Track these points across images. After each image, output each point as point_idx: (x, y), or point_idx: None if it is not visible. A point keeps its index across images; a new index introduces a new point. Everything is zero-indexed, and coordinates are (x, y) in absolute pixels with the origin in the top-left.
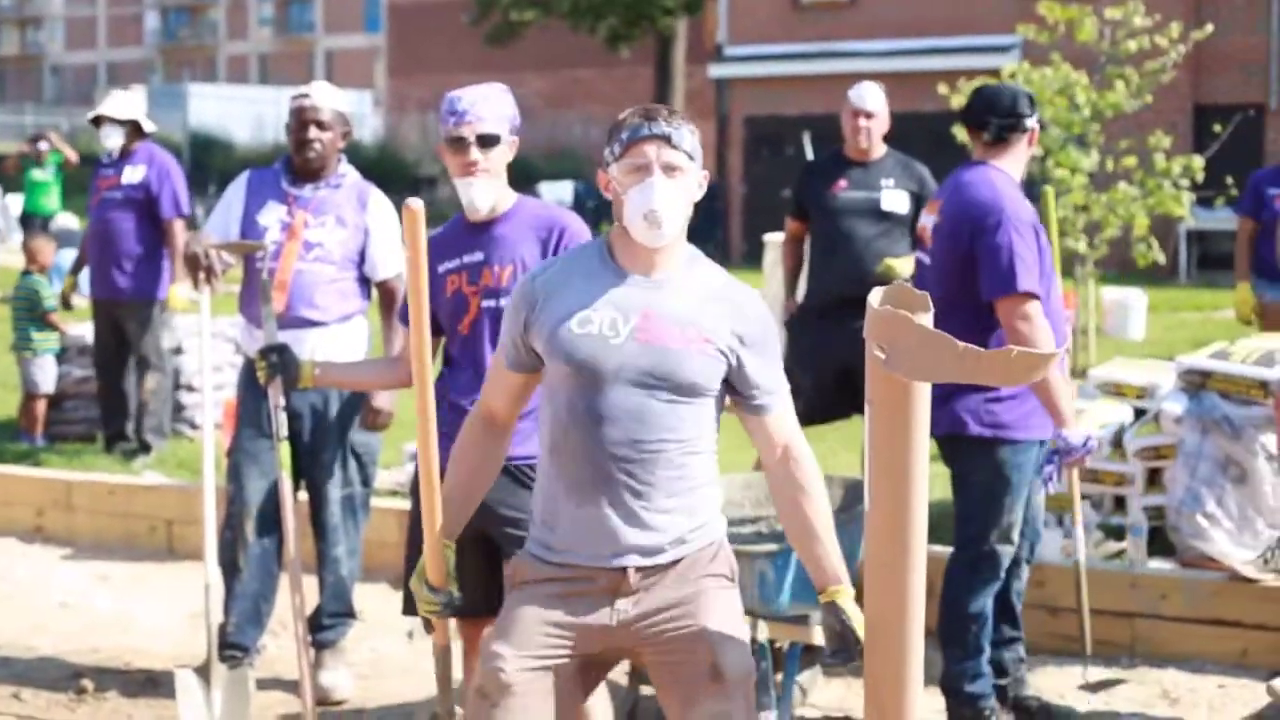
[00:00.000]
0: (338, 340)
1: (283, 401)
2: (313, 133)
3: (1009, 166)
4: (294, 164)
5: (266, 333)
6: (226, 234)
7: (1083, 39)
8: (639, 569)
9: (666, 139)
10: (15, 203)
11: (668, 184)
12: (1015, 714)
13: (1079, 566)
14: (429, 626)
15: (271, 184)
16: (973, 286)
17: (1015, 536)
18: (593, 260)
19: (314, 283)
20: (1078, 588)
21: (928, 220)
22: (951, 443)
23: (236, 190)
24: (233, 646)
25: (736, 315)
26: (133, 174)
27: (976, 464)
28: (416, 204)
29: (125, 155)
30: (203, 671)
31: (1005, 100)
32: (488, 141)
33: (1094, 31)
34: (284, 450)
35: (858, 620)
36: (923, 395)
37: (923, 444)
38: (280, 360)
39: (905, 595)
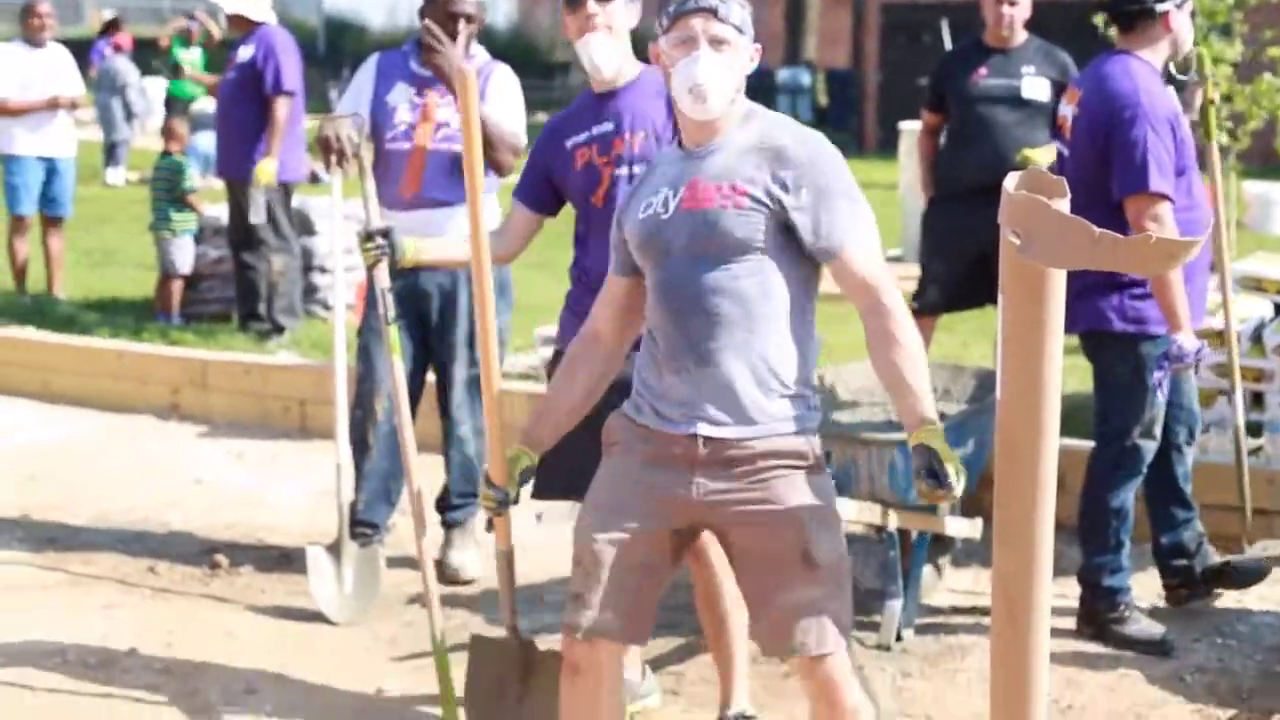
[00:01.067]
0: (465, 219)
1: (389, 283)
2: (461, 26)
3: (1148, 54)
4: (426, 52)
5: (369, 214)
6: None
7: None
8: (708, 439)
9: (713, 11)
10: (158, 85)
11: (713, 57)
12: (1206, 583)
13: (1241, 466)
14: (489, 525)
15: (400, 66)
16: (1109, 180)
17: (1157, 431)
18: (668, 153)
19: (444, 163)
20: (1240, 488)
21: (1067, 111)
22: (1093, 338)
23: (366, 73)
24: (363, 524)
25: (777, 160)
26: (244, 54)
27: (1119, 359)
28: (469, 68)
29: (243, 38)
30: (334, 549)
31: None
32: None
33: None
34: (393, 333)
35: (949, 457)
36: (1058, 283)
37: (1057, 333)
38: (387, 242)
39: (1036, 486)
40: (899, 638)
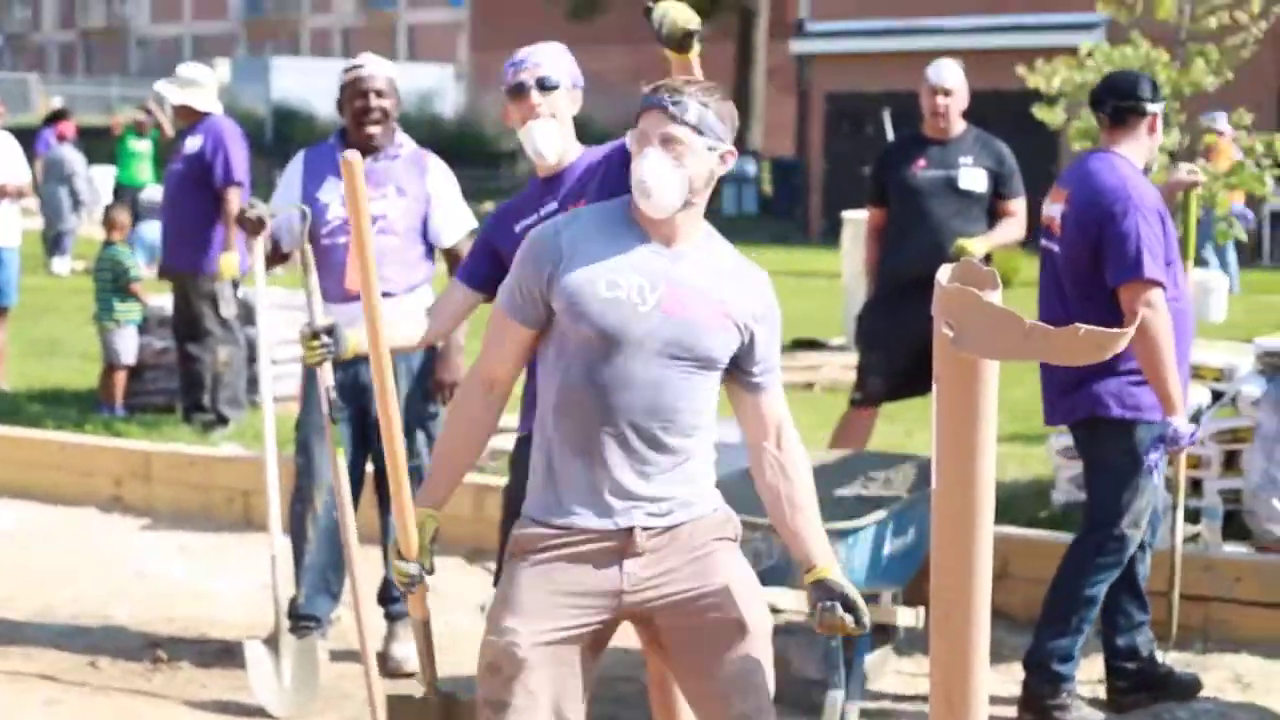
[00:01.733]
0: (405, 310)
1: (332, 381)
2: (373, 101)
3: (1131, 153)
4: (352, 138)
5: (313, 311)
6: (288, 221)
7: (1162, 16)
8: (645, 529)
9: (664, 110)
10: (106, 174)
11: (661, 156)
12: (1148, 691)
13: (1174, 552)
14: (402, 597)
15: (329, 160)
16: (1102, 272)
17: (1144, 522)
18: (617, 220)
19: (380, 255)
20: (1171, 573)
21: (1054, 210)
22: (1089, 425)
23: (294, 170)
24: (305, 617)
25: (752, 292)
26: (191, 144)
27: (1116, 446)
28: (354, 154)
29: (189, 128)
30: (271, 642)
31: (1125, 84)
32: (546, 85)
33: (1173, 8)
34: (335, 431)
35: (849, 587)
36: (991, 373)
37: (991, 421)
38: (331, 340)
39: (972, 574)
40: None
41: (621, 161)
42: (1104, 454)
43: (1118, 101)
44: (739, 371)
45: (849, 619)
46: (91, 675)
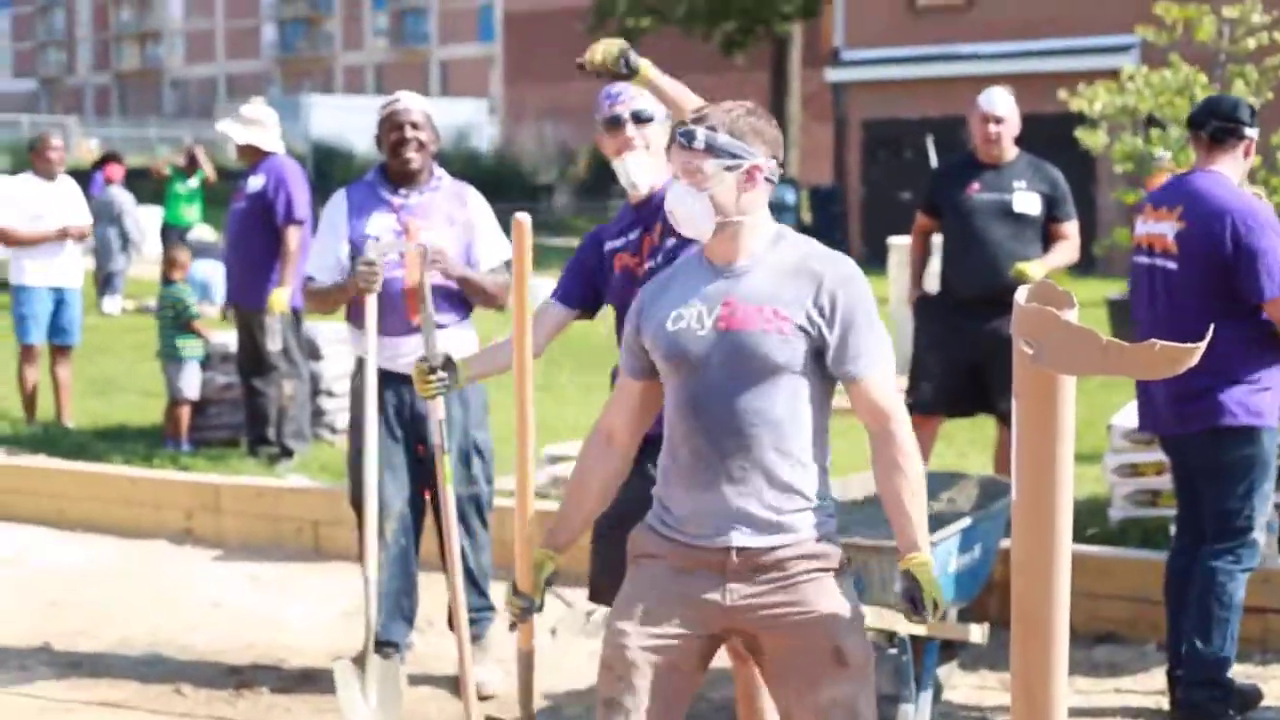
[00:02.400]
0: (460, 340)
1: (444, 414)
2: (409, 133)
3: (1229, 172)
4: (391, 171)
5: (427, 342)
6: (337, 258)
7: (1201, 38)
8: (741, 550)
9: (678, 143)
10: (152, 214)
11: (681, 187)
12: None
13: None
14: (512, 627)
15: (371, 196)
16: (1231, 287)
17: (1267, 525)
18: (692, 263)
19: (435, 287)
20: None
21: (1163, 228)
22: (1214, 435)
23: (337, 210)
24: (382, 644)
25: (816, 287)
26: (254, 183)
27: (1242, 453)
28: (523, 217)
29: (252, 167)
30: (359, 664)
31: (1226, 105)
32: (641, 118)
33: (1212, 30)
34: (447, 462)
35: (930, 588)
36: (1068, 388)
37: (1068, 435)
38: (449, 375)
39: (1052, 585)
40: None
41: None
42: (1230, 462)
43: (1220, 122)
44: (828, 367)
45: (912, 610)
46: (178, 702)
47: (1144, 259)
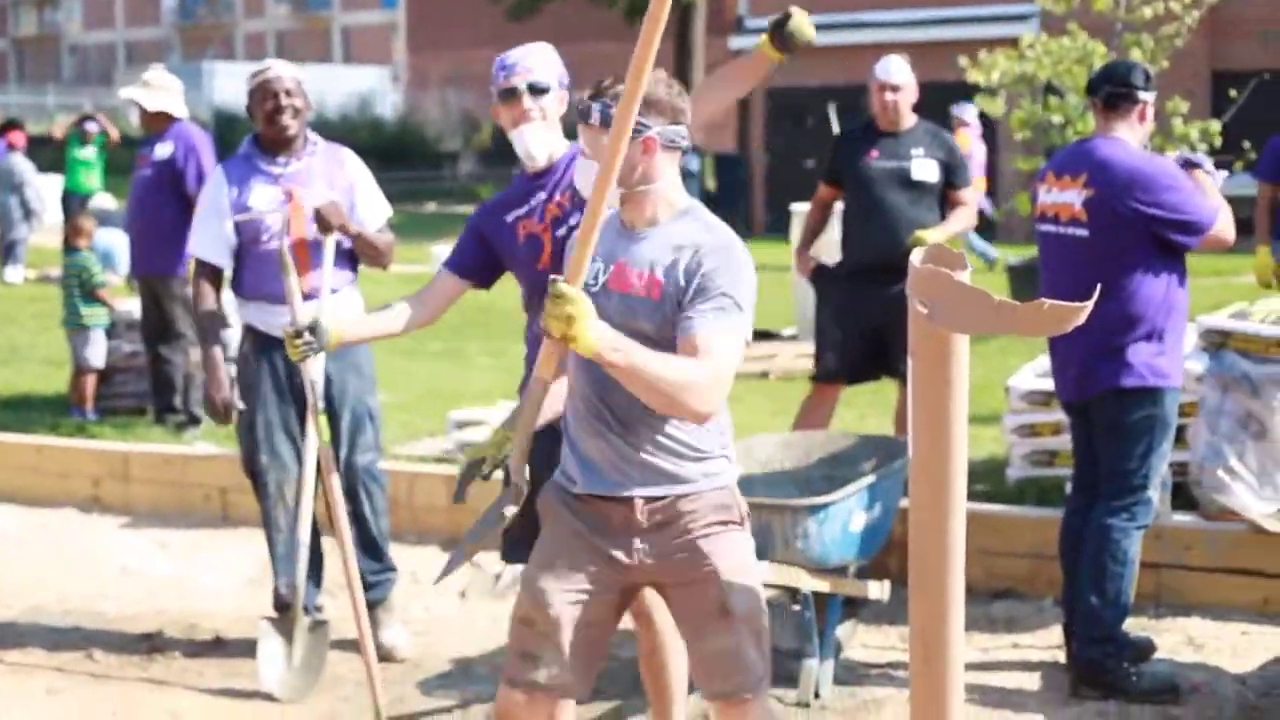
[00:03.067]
0: (347, 303)
1: (317, 375)
2: (284, 100)
3: (1128, 137)
4: (267, 139)
5: (292, 307)
6: (222, 235)
7: (1100, 8)
8: (645, 500)
9: (582, 120)
10: (52, 182)
11: (583, 160)
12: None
13: None
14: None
15: (249, 168)
16: (1158, 244)
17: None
18: (610, 222)
19: (315, 253)
20: None
21: (1069, 196)
22: (1117, 395)
23: (218, 188)
24: (289, 607)
25: (692, 253)
26: (162, 151)
27: (1146, 413)
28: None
29: (157, 135)
30: (284, 627)
31: (1120, 71)
32: (538, 90)
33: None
34: (320, 420)
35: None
36: (962, 347)
37: (962, 392)
38: (314, 337)
39: (947, 539)
40: (817, 694)
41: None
42: (1133, 421)
43: (1114, 87)
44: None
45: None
46: (90, 665)
47: (1050, 227)
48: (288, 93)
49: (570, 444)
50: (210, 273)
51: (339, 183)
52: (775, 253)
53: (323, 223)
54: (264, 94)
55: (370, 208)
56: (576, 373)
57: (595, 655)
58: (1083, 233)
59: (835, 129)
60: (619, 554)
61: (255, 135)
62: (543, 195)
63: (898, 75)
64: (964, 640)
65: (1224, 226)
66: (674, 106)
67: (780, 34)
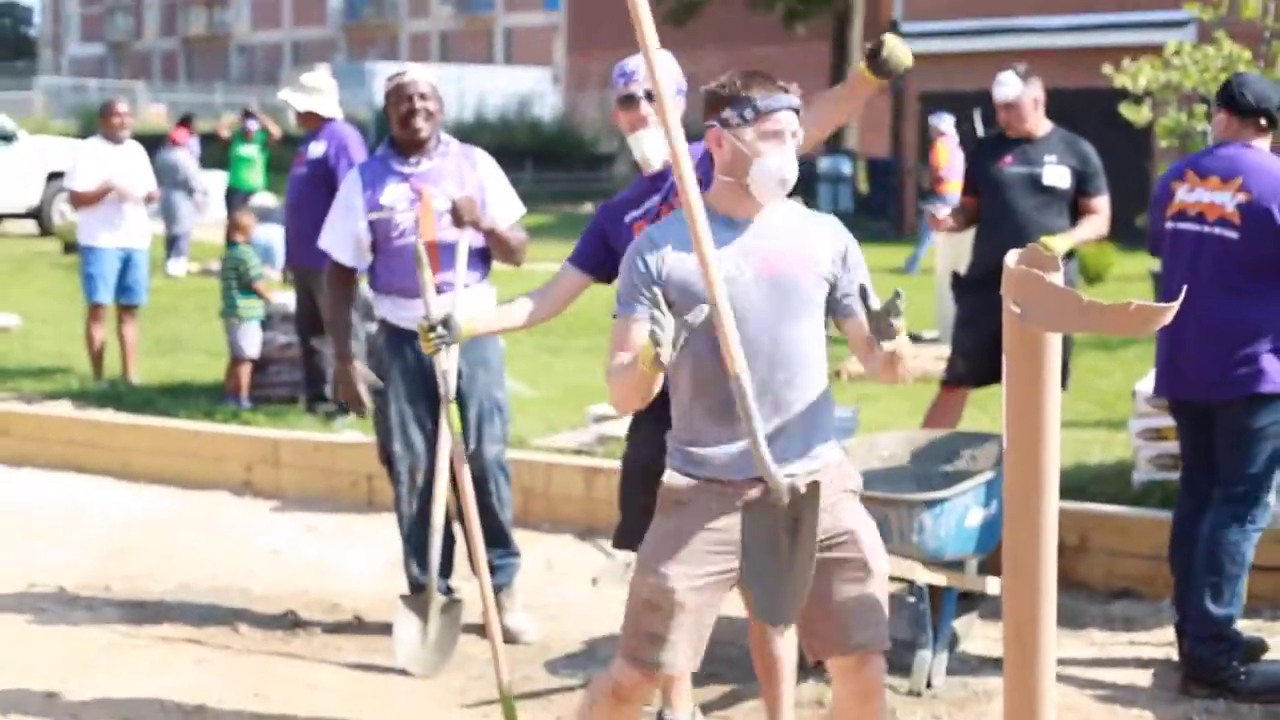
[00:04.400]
0: (479, 298)
1: (449, 365)
2: (418, 104)
3: (1265, 148)
4: (400, 141)
5: (426, 302)
6: (353, 236)
7: (1247, 15)
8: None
9: (797, 111)
10: (217, 179)
11: (794, 151)
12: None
13: None
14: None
15: (383, 169)
16: None
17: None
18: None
19: (452, 249)
20: None
21: (1221, 198)
22: (1250, 402)
23: (352, 189)
24: (422, 588)
25: (831, 237)
26: (315, 149)
27: (1272, 420)
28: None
29: (312, 134)
30: (421, 606)
31: (1264, 90)
32: (654, 95)
33: (1258, 7)
34: (453, 410)
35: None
36: (1054, 345)
37: (1055, 388)
38: (446, 331)
39: (1040, 531)
40: (929, 684)
41: (705, 158)
42: (1264, 427)
43: (1257, 104)
44: (834, 304)
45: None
46: (235, 639)
47: (1192, 226)
48: (422, 96)
49: (696, 435)
50: (341, 270)
51: (470, 181)
52: (925, 255)
53: (456, 216)
54: (399, 97)
55: (502, 206)
56: (715, 363)
57: (708, 629)
58: (1232, 235)
59: (980, 133)
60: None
61: (391, 137)
62: (657, 198)
63: (1009, 93)
64: (1054, 624)
65: None
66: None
67: (876, 60)
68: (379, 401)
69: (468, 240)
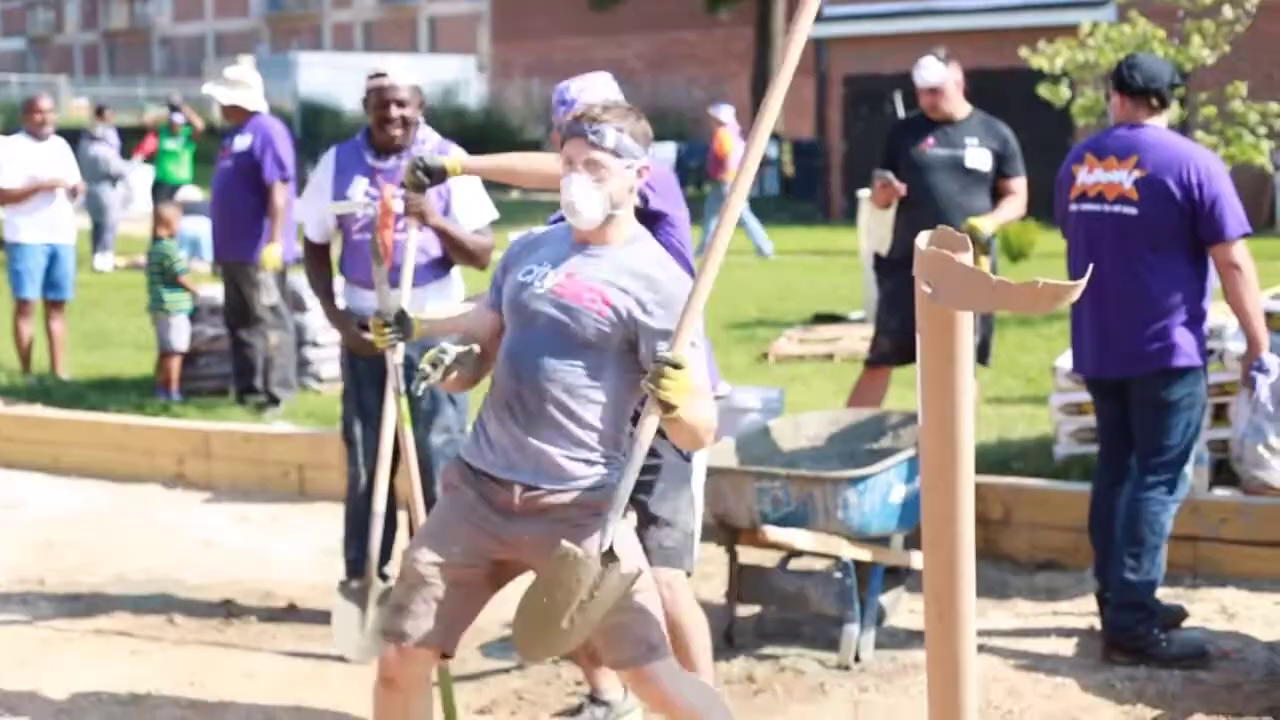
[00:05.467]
0: (441, 297)
1: (400, 359)
2: (394, 111)
3: (1161, 124)
4: (376, 139)
5: (380, 297)
6: (321, 216)
7: None
8: (524, 488)
9: (585, 138)
10: (144, 173)
11: (584, 179)
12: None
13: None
14: None
15: (355, 158)
16: (1192, 230)
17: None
18: (561, 232)
19: (402, 247)
20: None
21: (1119, 176)
22: (1163, 375)
23: (325, 169)
24: (361, 574)
25: (646, 289)
26: (241, 142)
27: (1189, 391)
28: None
29: (237, 127)
30: (360, 594)
31: (1153, 70)
32: None
33: None
34: (404, 404)
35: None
36: (965, 323)
37: (967, 365)
38: (400, 327)
39: (956, 492)
40: (857, 659)
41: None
42: (1180, 399)
43: (1146, 85)
44: (642, 357)
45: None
46: (170, 630)
47: (1091, 206)
48: (400, 103)
49: (481, 422)
50: (311, 244)
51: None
52: (849, 237)
53: (406, 209)
54: (378, 101)
55: (467, 209)
56: (503, 363)
57: (463, 615)
58: (1132, 211)
59: (900, 115)
60: (497, 529)
61: (368, 128)
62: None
63: (932, 78)
64: (973, 595)
65: (1244, 255)
66: (649, 141)
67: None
68: (346, 384)
69: (415, 238)
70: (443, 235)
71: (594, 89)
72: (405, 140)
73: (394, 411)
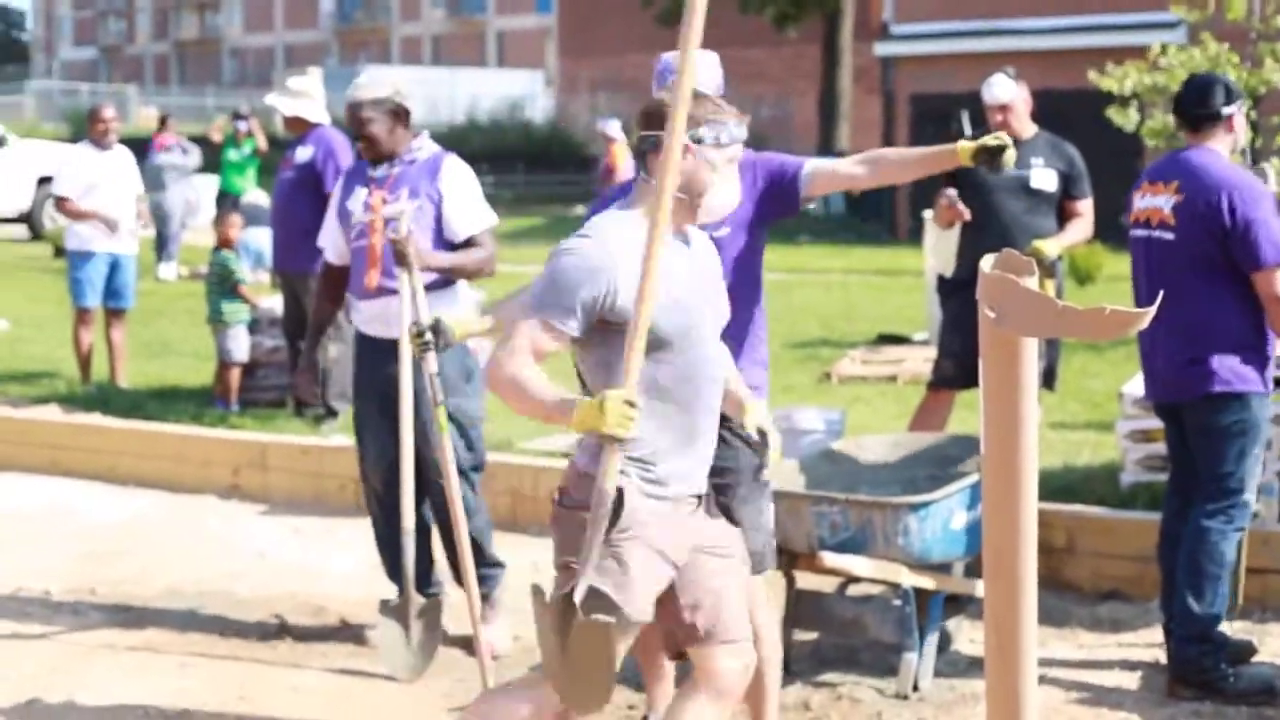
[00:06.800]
0: (440, 308)
1: (435, 369)
2: (361, 129)
3: (1219, 148)
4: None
5: (418, 310)
6: (334, 236)
7: (1232, 17)
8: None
9: (742, 139)
10: (209, 183)
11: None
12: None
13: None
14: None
15: (359, 172)
16: (1229, 256)
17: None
18: (639, 226)
19: (389, 254)
20: (1238, 548)
21: (1160, 201)
22: (1207, 401)
23: (337, 188)
24: (401, 592)
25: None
26: (303, 154)
27: (1236, 417)
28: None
29: (299, 138)
30: (402, 611)
31: (1194, 93)
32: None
33: (1243, 9)
34: (441, 413)
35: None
36: (1030, 349)
37: (1032, 391)
38: (436, 337)
39: (1019, 520)
40: (916, 687)
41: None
42: (1223, 426)
43: (1196, 109)
44: None
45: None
46: (220, 644)
47: (1141, 232)
48: (364, 119)
49: (658, 453)
50: (332, 269)
51: (424, 191)
52: (915, 257)
53: (398, 257)
54: (349, 114)
55: (460, 217)
56: (680, 387)
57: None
58: (1169, 236)
59: (967, 135)
60: (685, 539)
61: None
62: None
63: (1002, 95)
64: (1034, 625)
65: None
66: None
67: (989, 154)
68: (355, 405)
69: (415, 279)
70: (441, 272)
71: (700, 62)
72: (382, 151)
73: (410, 425)
